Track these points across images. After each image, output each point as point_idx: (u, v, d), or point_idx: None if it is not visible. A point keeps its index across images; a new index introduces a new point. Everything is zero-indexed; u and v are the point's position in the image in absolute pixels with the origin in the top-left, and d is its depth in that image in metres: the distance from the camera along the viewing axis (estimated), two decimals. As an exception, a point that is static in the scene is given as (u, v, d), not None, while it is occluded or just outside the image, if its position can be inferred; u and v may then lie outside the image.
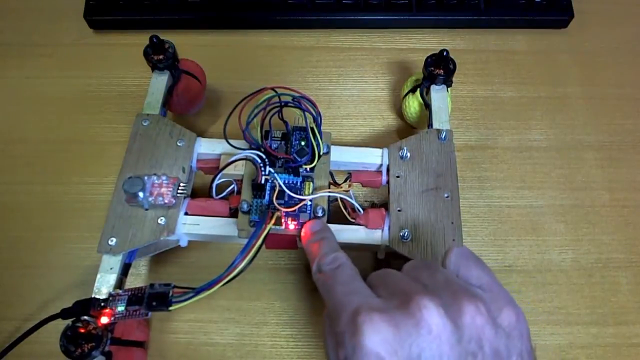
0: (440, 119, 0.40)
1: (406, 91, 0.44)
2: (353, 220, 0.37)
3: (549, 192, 0.45)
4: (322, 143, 0.36)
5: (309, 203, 0.35)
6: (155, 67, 0.41)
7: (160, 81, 0.41)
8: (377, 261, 0.41)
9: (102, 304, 0.31)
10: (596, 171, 0.46)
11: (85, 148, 0.46)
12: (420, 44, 0.52)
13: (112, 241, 0.34)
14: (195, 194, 0.40)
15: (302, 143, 0.36)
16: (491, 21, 0.52)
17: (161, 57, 0.40)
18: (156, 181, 0.35)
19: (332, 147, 0.38)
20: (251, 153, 0.35)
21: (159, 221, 0.35)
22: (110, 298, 0.32)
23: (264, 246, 0.33)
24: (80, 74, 0.49)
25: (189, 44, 0.46)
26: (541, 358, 0.39)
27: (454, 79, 0.42)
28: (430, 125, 0.40)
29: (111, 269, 0.33)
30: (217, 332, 0.39)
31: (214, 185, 0.36)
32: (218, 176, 0.36)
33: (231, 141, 0.36)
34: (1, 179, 0.44)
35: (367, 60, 0.51)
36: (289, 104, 0.35)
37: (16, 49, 0.51)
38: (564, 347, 0.39)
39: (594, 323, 0.40)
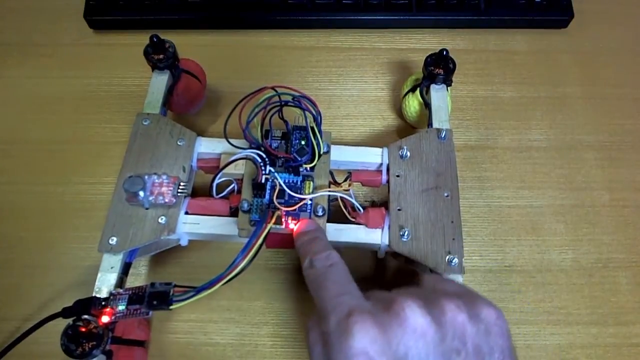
0: (440, 119, 0.40)
1: (406, 91, 0.44)
2: (353, 220, 0.37)
3: (549, 192, 0.45)
4: (322, 142, 0.36)
5: (309, 202, 0.35)
6: (155, 66, 0.41)
7: (160, 81, 0.41)
8: (377, 260, 0.41)
9: (103, 303, 0.31)
10: (596, 171, 0.46)
11: (85, 148, 0.46)
12: (420, 44, 0.52)
13: (113, 240, 0.34)
14: (195, 193, 0.40)
15: (302, 142, 0.36)
16: (491, 21, 0.52)
17: (161, 56, 0.40)
18: (156, 180, 0.35)
19: (332, 147, 0.38)
20: (251, 152, 0.35)
21: (160, 220, 0.35)
22: (111, 297, 0.32)
23: (264, 245, 0.33)
24: (80, 74, 0.49)
25: (189, 44, 0.46)
26: (541, 358, 0.39)
27: (454, 79, 0.42)
28: (430, 124, 0.40)
29: (112, 268, 0.33)
30: (217, 332, 0.39)
31: (214, 185, 0.36)
32: (218, 175, 0.36)
33: (231, 140, 0.36)
34: (1, 179, 0.44)
35: (367, 60, 0.51)
36: (289, 104, 0.35)
37: (16, 49, 0.51)
38: (564, 347, 0.39)
39: (594, 323, 0.40)
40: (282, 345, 0.38)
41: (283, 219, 0.34)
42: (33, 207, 0.43)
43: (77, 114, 0.47)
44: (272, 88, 0.35)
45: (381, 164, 0.38)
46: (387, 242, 0.35)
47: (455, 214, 0.36)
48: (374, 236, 0.36)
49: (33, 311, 0.39)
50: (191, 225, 0.36)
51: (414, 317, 0.24)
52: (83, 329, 0.30)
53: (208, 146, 0.39)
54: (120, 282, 0.34)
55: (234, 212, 0.36)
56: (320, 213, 0.35)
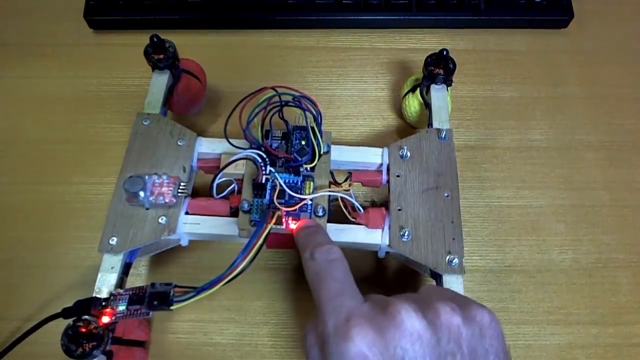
0: (440, 119, 0.40)
1: (406, 91, 0.44)
2: (353, 220, 0.37)
3: (549, 192, 0.45)
4: (323, 142, 0.36)
5: (310, 202, 0.35)
6: (155, 66, 0.41)
7: (160, 81, 0.41)
8: (377, 261, 0.41)
9: (103, 304, 0.31)
10: (596, 171, 0.46)
11: (85, 148, 0.46)
12: (420, 44, 0.52)
13: (113, 240, 0.34)
14: (195, 193, 0.40)
15: (303, 142, 0.36)
16: (491, 21, 0.52)
17: (162, 56, 0.40)
18: (157, 180, 0.35)
19: (333, 147, 0.38)
20: (252, 152, 0.35)
21: (160, 220, 0.35)
22: (112, 297, 0.32)
23: (264, 246, 0.33)
24: (80, 74, 0.49)
25: (189, 44, 0.46)
26: (541, 358, 0.39)
27: (454, 79, 0.42)
28: (430, 124, 0.40)
29: (112, 268, 0.33)
30: (217, 332, 0.39)
31: (214, 185, 0.36)
32: (219, 175, 0.36)
33: (232, 140, 0.36)
34: (1, 179, 0.44)
35: (367, 60, 0.51)
36: (290, 104, 0.35)
37: (16, 49, 0.51)
38: (564, 347, 0.39)
39: (594, 323, 0.40)
40: (282, 345, 0.38)
41: (283, 219, 0.34)
42: (33, 207, 0.43)
43: (77, 114, 0.47)
44: (273, 88, 0.35)
45: (381, 164, 0.38)
46: (387, 243, 0.35)
47: (456, 214, 0.36)
48: (374, 236, 0.36)
49: (33, 311, 0.39)
50: (191, 226, 0.36)
51: (410, 320, 0.25)
52: (83, 330, 0.30)
53: (208, 146, 0.39)
54: (120, 283, 0.34)
55: (234, 213, 0.36)
56: (320, 213, 0.35)
